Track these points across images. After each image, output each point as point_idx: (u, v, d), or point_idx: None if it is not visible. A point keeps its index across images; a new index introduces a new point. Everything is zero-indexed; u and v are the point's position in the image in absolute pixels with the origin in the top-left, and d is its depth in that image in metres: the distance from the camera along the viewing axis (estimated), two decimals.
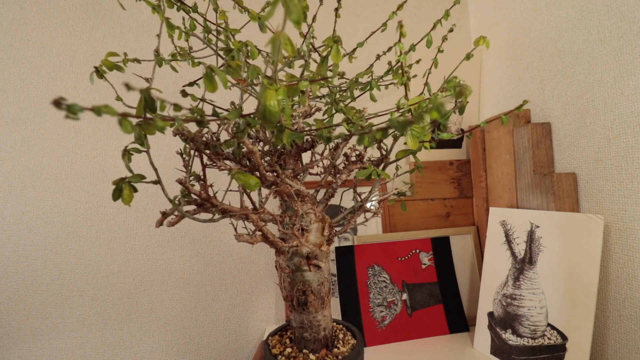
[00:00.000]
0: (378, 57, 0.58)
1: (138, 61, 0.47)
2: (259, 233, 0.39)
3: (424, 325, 0.80)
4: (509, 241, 0.71)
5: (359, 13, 0.95)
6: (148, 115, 0.25)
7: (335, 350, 0.43)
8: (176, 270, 0.87)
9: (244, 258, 0.90)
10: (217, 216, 0.39)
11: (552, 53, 0.71)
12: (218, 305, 0.88)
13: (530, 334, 0.64)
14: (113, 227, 0.85)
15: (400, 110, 0.39)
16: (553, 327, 0.61)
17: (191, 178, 0.37)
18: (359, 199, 0.50)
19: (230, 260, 0.89)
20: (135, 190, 0.29)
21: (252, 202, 0.41)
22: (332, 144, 0.48)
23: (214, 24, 0.45)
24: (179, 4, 0.41)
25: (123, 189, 0.30)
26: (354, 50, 0.52)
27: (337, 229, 0.45)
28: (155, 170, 0.36)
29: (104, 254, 0.84)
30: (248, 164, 0.42)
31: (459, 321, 0.82)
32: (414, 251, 0.85)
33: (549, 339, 0.61)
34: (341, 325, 0.50)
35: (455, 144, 0.97)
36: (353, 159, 0.49)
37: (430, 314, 0.81)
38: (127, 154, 0.29)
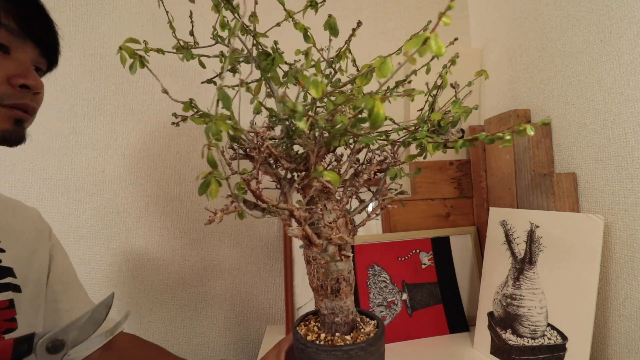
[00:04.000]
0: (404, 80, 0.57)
1: (162, 52, 0.47)
2: (305, 232, 0.44)
3: (424, 325, 0.80)
4: (509, 241, 0.71)
5: (363, 18, 0.95)
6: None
7: (362, 330, 0.47)
8: (176, 270, 0.87)
9: (244, 258, 0.90)
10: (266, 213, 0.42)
11: (552, 53, 0.71)
12: (218, 305, 0.88)
13: (530, 334, 0.64)
14: (113, 227, 0.85)
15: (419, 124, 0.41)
16: (553, 327, 0.61)
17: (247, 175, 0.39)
18: (369, 197, 0.52)
19: (230, 261, 0.89)
20: (220, 184, 0.30)
21: (286, 200, 0.45)
22: (353, 146, 0.50)
23: (249, 30, 0.46)
24: (225, 3, 0.40)
25: (211, 183, 0.30)
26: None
27: (359, 225, 0.49)
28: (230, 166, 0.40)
29: (104, 254, 0.84)
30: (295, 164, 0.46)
31: (459, 321, 0.82)
32: (414, 251, 0.85)
33: (549, 339, 0.61)
34: (361, 313, 0.54)
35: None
36: (378, 159, 0.52)
37: (430, 314, 0.81)
38: (209, 149, 0.29)
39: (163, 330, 0.86)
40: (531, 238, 0.67)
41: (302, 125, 0.27)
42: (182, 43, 0.48)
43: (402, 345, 0.77)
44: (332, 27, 0.43)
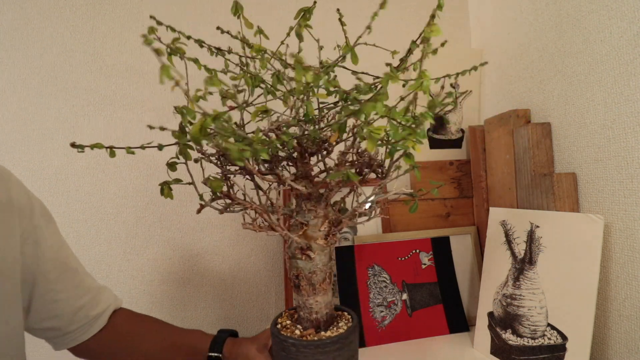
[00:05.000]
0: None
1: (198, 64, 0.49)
2: (266, 224, 0.47)
3: (424, 325, 0.80)
4: (509, 241, 0.71)
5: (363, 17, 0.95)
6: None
7: (323, 333, 0.49)
8: (176, 270, 0.87)
9: (244, 258, 0.90)
10: (237, 208, 0.48)
11: (552, 53, 0.71)
12: (218, 305, 0.88)
13: (530, 334, 0.64)
14: (113, 227, 0.85)
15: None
16: (553, 327, 0.61)
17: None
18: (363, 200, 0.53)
19: (230, 260, 0.89)
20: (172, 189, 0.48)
21: (269, 199, 0.50)
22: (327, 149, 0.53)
23: (246, 56, 0.51)
24: (217, 51, 0.50)
25: (165, 189, 0.46)
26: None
27: (338, 227, 0.50)
28: (191, 175, 0.49)
29: (104, 254, 0.84)
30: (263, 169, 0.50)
31: (459, 321, 0.82)
32: (414, 251, 0.85)
33: (549, 339, 0.61)
34: (350, 316, 0.54)
35: (455, 144, 0.97)
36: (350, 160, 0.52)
37: (430, 314, 0.81)
38: (171, 165, 0.46)
39: None
40: (531, 238, 0.67)
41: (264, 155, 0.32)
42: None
43: (402, 345, 0.77)
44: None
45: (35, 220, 0.51)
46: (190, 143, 0.36)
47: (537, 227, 0.67)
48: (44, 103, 0.83)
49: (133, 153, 0.43)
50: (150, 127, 0.45)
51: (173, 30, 0.53)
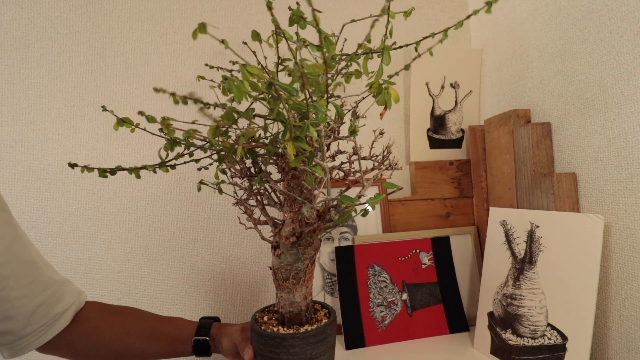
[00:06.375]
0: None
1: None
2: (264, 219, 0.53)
3: (424, 325, 0.80)
4: (509, 241, 0.71)
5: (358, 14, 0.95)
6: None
7: (297, 327, 0.53)
8: (176, 270, 0.87)
9: (244, 258, 0.90)
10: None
11: (552, 53, 0.71)
12: (218, 305, 0.88)
13: (530, 334, 0.64)
14: (113, 227, 0.85)
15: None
16: (553, 327, 0.61)
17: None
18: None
19: (230, 260, 0.89)
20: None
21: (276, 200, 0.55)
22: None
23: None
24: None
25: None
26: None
27: (308, 229, 0.52)
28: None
29: (104, 254, 0.84)
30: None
31: (459, 321, 0.82)
32: (414, 251, 0.85)
33: (549, 339, 0.61)
34: (328, 310, 0.58)
35: (455, 144, 0.97)
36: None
37: (430, 314, 0.81)
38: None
39: None
40: (531, 238, 0.67)
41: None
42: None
43: (402, 345, 0.77)
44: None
45: None
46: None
47: (537, 227, 0.67)
48: (44, 103, 0.83)
49: (157, 172, 0.48)
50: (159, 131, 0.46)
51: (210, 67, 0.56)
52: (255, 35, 0.49)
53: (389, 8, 0.37)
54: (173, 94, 0.34)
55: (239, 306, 0.89)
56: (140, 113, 0.40)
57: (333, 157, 0.60)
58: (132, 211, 0.86)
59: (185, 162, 0.49)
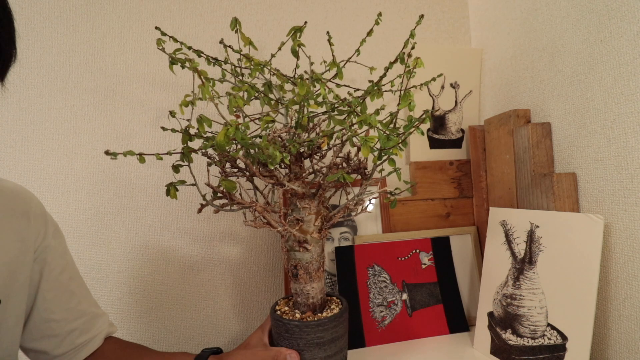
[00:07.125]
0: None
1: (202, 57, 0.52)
2: (264, 220, 0.53)
3: (424, 325, 0.80)
4: (509, 241, 0.71)
5: (358, 13, 0.95)
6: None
7: (319, 314, 0.56)
8: (176, 270, 0.87)
9: (244, 258, 0.90)
10: (235, 207, 0.53)
11: (552, 53, 0.71)
12: (218, 305, 0.88)
13: (530, 334, 0.64)
14: (113, 227, 0.85)
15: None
16: (553, 327, 0.61)
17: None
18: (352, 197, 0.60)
19: (230, 260, 0.89)
20: (177, 190, 0.52)
21: (265, 198, 0.57)
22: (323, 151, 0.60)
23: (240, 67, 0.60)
24: (215, 61, 0.57)
25: (171, 190, 0.51)
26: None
27: (329, 222, 0.57)
28: (194, 176, 0.54)
29: (104, 254, 0.84)
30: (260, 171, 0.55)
31: (459, 321, 0.82)
32: (414, 251, 0.85)
33: (549, 339, 0.61)
34: (339, 300, 0.62)
35: (455, 144, 0.97)
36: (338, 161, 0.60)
37: (430, 314, 0.81)
38: (175, 168, 0.53)
39: (163, 330, 0.86)
40: (531, 238, 0.67)
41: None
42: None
43: (402, 345, 0.77)
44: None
45: (48, 240, 0.53)
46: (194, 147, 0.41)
47: (537, 227, 0.67)
48: (44, 103, 0.83)
49: (161, 159, 0.52)
50: (163, 129, 0.50)
51: (175, 40, 0.57)
52: (233, 23, 0.54)
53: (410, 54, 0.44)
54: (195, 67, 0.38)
55: (238, 306, 0.89)
56: (157, 28, 0.50)
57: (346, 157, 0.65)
58: (132, 211, 0.85)
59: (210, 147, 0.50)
